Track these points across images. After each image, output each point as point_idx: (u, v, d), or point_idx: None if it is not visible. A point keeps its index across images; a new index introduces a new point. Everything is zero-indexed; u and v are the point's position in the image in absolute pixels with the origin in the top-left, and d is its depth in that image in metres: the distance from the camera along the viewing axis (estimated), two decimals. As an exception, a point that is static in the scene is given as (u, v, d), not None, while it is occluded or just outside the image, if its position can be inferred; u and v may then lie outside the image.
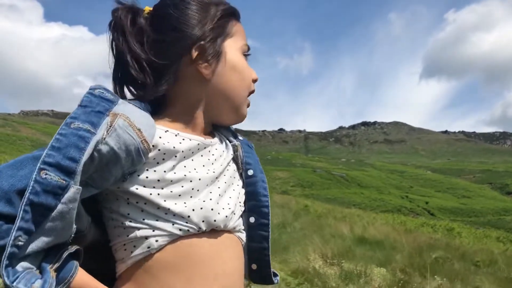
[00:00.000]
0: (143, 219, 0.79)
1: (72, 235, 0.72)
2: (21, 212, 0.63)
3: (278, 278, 1.04)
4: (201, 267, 0.79)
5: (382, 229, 11.85)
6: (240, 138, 1.03)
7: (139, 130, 0.76)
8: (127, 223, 0.79)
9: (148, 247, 0.78)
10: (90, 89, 0.77)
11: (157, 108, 0.90)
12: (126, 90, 0.91)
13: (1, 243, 0.62)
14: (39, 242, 0.66)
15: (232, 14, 0.94)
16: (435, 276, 6.33)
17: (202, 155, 0.89)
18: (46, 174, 0.65)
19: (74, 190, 0.67)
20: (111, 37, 0.89)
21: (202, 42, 0.87)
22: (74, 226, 0.71)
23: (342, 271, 6.37)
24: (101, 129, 0.71)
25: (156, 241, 0.78)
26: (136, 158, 0.76)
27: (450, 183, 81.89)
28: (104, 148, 0.71)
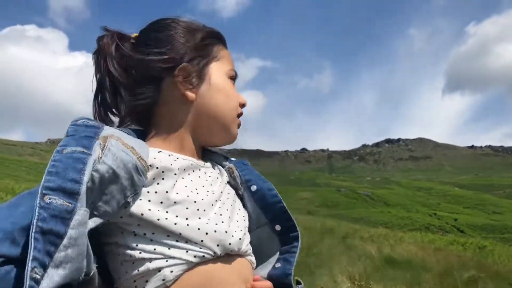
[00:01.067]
0: (154, 249, 0.73)
1: (83, 274, 0.65)
2: (32, 240, 0.58)
3: (301, 286, 1.00)
4: None
5: (410, 248, 11.61)
6: (233, 159, 1.03)
7: (132, 148, 0.75)
8: (137, 255, 0.73)
9: (163, 280, 0.72)
10: (72, 121, 0.75)
11: (141, 136, 0.89)
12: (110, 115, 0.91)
13: None
14: (55, 276, 0.59)
15: (218, 39, 0.95)
16: (468, 297, 6.15)
17: (199, 176, 0.88)
18: (49, 198, 0.61)
19: (82, 212, 0.63)
20: (94, 62, 0.90)
21: (185, 64, 0.88)
22: (85, 261, 0.65)
23: (370, 293, 6.25)
24: (95, 150, 0.69)
25: (171, 271, 0.73)
26: (136, 177, 0.73)
27: (479, 199, 79.94)
28: (102, 167, 0.68)
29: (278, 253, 0.96)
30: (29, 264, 0.57)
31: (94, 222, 0.69)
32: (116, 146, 0.72)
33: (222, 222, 0.81)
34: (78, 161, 0.66)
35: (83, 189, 0.64)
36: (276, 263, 0.95)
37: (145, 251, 0.73)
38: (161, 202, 0.77)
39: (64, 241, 0.60)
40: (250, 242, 0.89)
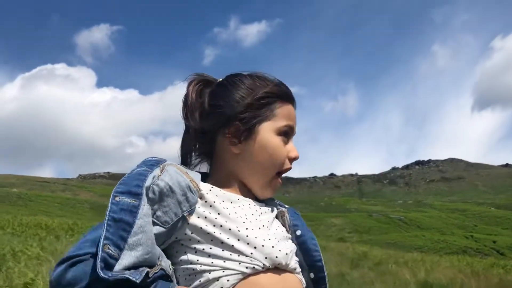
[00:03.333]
0: (212, 262, 0.85)
1: (158, 261, 0.81)
2: (105, 226, 0.75)
3: None
4: None
5: (447, 273, 11.25)
6: (287, 206, 1.12)
7: (186, 173, 0.91)
8: (199, 268, 0.86)
9: (221, 287, 0.84)
10: (143, 160, 0.93)
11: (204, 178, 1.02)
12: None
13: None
14: (131, 257, 0.75)
15: (278, 96, 1.01)
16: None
17: (249, 207, 0.98)
18: (119, 198, 0.80)
19: (146, 206, 0.81)
20: (182, 109, 1.04)
21: (237, 122, 0.98)
22: (156, 248, 0.81)
23: (407, 320, 6.07)
24: (155, 170, 0.87)
25: (228, 280, 0.84)
26: (189, 194, 0.88)
27: (518, 219, 77.04)
28: (160, 182, 0.84)
29: None
30: (102, 241, 0.74)
31: (157, 230, 0.83)
32: (173, 170, 0.89)
33: (270, 239, 0.90)
34: (141, 175, 0.85)
35: (144, 190, 0.82)
36: None
37: (204, 264, 0.86)
38: (219, 213, 0.91)
39: (134, 229, 0.77)
40: None
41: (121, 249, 0.74)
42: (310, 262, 1.03)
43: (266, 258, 0.87)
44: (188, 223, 0.88)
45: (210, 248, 0.87)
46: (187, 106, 1.02)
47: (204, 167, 1.08)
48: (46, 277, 5.70)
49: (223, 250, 0.86)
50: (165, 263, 0.84)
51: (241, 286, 0.84)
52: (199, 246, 0.87)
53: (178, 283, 0.88)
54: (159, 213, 0.84)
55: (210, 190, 0.95)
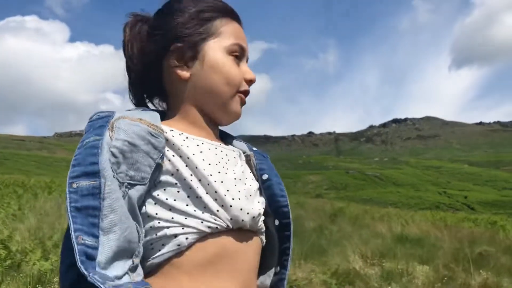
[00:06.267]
0: (172, 218, 0.79)
1: (142, 234, 0.75)
2: (71, 218, 0.67)
3: None
4: (227, 263, 0.81)
5: (421, 227, 11.64)
6: (254, 149, 1.05)
7: (139, 119, 0.81)
8: (156, 223, 0.79)
9: (178, 245, 0.78)
10: (88, 119, 0.82)
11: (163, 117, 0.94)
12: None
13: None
14: (110, 241, 0.68)
15: (220, 12, 0.93)
16: (480, 271, 6.16)
17: (215, 154, 0.90)
18: (76, 184, 0.70)
19: (109, 183, 0.70)
20: (122, 49, 0.95)
21: (179, 44, 0.89)
22: (135, 222, 0.73)
23: (383, 270, 6.29)
24: (105, 134, 0.76)
25: (186, 238, 0.78)
26: (153, 140, 0.79)
27: (489, 175, 79.68)
28: (117, 143, 0.75)
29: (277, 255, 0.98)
30: (73, 234, 0.66)
31: (138, 190, 0.76)
32: (124, 123, 0.78)
33: (239, 198, 0.83)
34: (93, 147, 0.73)
35: (102, 166, 0.71)
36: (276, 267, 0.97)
37: (163, 219, 0.78)
38: (186, 166, 0.82)
39: (103, 211, 0.68)
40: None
41: (96, 236, 0.67)
42: (275, 208, 0.96)
43: (231, 219, 0.81)
44: (161, 171, 0.80)
45: (174, 199, 0.80)
46: (126, 49, 0.93)
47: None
48: (24, 233, 5.66)
49: (187, 205, 0.79)
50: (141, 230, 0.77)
51: (198, 245, 0.79)
52: (161, 197, 0.80)
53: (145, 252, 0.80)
54: (131, 172, 0.76)
55: (171, 131, 0.86)
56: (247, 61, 0.98)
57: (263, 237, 0.91)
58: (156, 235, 0.79)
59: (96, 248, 0.66)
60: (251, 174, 0.97)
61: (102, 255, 0.66)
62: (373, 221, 12.89)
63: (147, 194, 0.80)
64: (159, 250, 0.79)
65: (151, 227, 0.79)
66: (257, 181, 0.97)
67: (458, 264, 6.80)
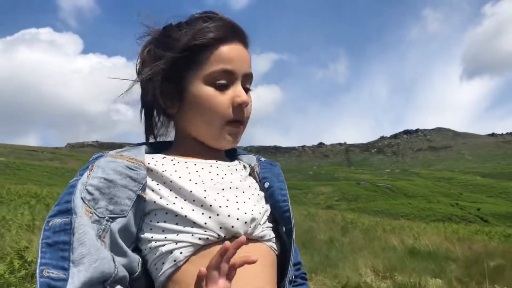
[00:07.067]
0: (165, 237, 0.81)
1: (116, 269, 0.74)
2: (40, 254, 0.71)
3: None
4: None
5: (434, 239, 11.50)
6: (262, 159, 1.05)
7: (120, 155, 0.85)
8: (153, 244, 0.82)
9: (175, 260, 0.80)
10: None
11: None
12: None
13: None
14: (80, 273, 0.69)
15: (211, 38, 0.88)
16: (495, 286, 6.08)
17: (209, 171, 0.91)
18: (51, 222, 0.75)
19: (79, 219, 0.74)
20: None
21: (165, 84, 0.90)
22: (104, 253, 0.73)
23: (395, 284, 6.23)
24: (84, 174, 0.81)
25: (181, 253, 0.80)
26: (131, 173, 0.82)
27: (502, 187, 78.51)
28: (93, 181, 0.79)
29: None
30: (38, 269, 0.69)
31: (118, 223, 0.79)
32: (104, 161, 0.83)
33: (227, 206, 0.83)
34: (71, 187, 0.79)
35: (74, 204, 0.76)
36: None
37: (158, 240, 0.82)
38: (170, 190, 0.85)
39: (73, 245, 0.71)
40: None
41: (66, 269, 0.69)
42: (279, 214, 0.93)
43: (220, 228, 0.81)
44: (145, 200, 0.83)
45: (164, 221, 0.82)
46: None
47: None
48: (37, 244, 5.70)
49: (177, 224, 0.82)
50: (128, 259, 0.80)
51: (194, 259, 0.80)
52: (154, 222, 0.83)
53: (149, 269, 0.84)
54: (110, 207, 0.78)
55: (162, 158, 0.90)
56: (247, 80, 0.94)
57: (273, 245, 0.89)
58: (155, 254, 0.82)
59: (62, 280, 0.68)
60: (256, 184, 0.97)
61: (70, 286, 0.67)
62: (385, 233, 12.77)
63: (143, 222, 0.84)
64: (161, 269, 0.81)
65: (150, 248, 0.83)
66: (262, 189, 0.96)
67: (472, 278, 6.71)
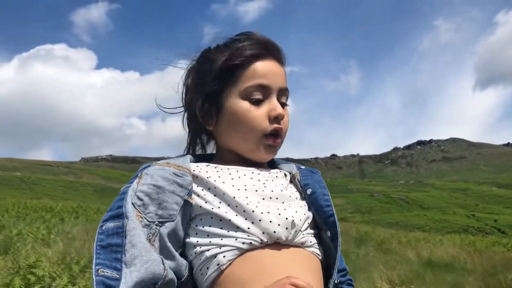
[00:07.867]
0: (210, 242, 0.84)
1: (165, 272, 0.77)
2: (95, 255, 0.76)
3: None
4: (266, 277, 0.80)
5: (450, 251, 11.32)
6: (302, 167, 1.08)
7: (167, 163, 0.91)
8: (198, 249, 0.85)
9: (218, 264, 0.82)
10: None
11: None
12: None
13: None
14: (132, 273, 0.73)
15: (246, 56, 0.94)
16: (514, 298, 5.94)
17: (251, 178, 0.95)
18: (104, 226, 0.79)
19: (130, 222, 0.78)
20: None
21: (199, 105, 0.97)
22: (154, 255, 0.77)
23: (412, 297, 6.12)
24: (134, 182, 0.87)
25: (224, 256, 0.82)
26: (178, 179, 0.87)
27: (519, 197, 77.16)
28: (142, 187, 0.84)
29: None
30: (94, 268, 0.74)
31: (167, 227, 0.83)
32: (152, 169, 0.88)
33: (268, 212, 0.85)
34: (122, 194, 0.84)
35: (127, 208, 0.80)
36: None
37: (203, 245, 0.85)
38: (214, 195, 0.88)
39: (125, 247, 0.75)
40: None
41: (119, 269, 0.73)
42: (324, 219, 0.94)
43: (263, 233, 0.83)
44: (191, 205, 0.87)
45: (209, 226, 0.85)
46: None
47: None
48: (52, 258, 5.74)
49: (221, 228, 0.84)
50: (176, 263, 0.83)
51: (237, 262, 0.82)
52: (199, 227, 0.86)
53: (194, 275, 0.87)
54: (160, 211, 0.83)
55: (206, 166, 0.94)
56: (283, 94, 0.98)
57: (316, 250, 0.90)
58: (200, 259, 0.85)
59: (115, 279, 0.72)
60: (297, 192, 0.98)
61: (123, 285, 0.71)
62: (400, 245, 12.61)
63: (189, 227, 0.88)
64: (206, 274, 0.84)
65: (195, 254, 0.86)
66: (303, 197, 0.98)
67: (490, 290, 6.57)
